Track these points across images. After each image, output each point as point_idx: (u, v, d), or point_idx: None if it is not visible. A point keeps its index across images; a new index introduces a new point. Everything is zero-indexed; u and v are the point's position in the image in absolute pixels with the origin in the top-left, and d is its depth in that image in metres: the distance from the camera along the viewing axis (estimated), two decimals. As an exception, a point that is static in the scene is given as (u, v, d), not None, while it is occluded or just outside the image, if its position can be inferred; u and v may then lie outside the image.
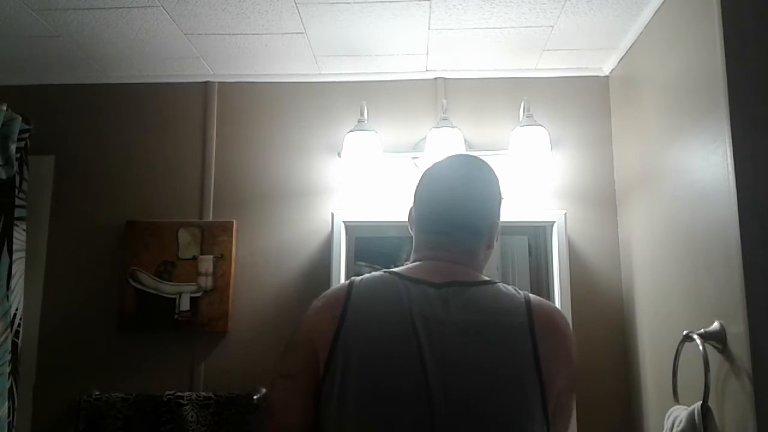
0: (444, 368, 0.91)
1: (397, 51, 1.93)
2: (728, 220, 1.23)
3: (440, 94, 2.07)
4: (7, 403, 1.75)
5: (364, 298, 0.99)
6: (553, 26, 1.76)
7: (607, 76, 2.06)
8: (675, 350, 1.40)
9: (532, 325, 0.94)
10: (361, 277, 1.03)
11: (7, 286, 1.79)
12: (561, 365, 0.95)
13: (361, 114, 1.94)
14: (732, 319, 1.23)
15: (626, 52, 1.87)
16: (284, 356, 1.00)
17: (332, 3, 1.63)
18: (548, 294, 1.92)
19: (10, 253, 1.82)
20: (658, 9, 1.61)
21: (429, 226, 1.09)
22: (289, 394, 0.96)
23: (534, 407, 0.90)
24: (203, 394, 1.85)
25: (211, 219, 2.03)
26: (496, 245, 1.12)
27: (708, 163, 1.33)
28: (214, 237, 1.99)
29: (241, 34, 1.81)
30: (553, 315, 0.99)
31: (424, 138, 1.94)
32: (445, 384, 0.90)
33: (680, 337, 1.37)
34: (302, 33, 1.81)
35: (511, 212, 1.93)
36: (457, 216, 1.07)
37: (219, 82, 2.13)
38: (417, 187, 1.15)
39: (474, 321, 0.94)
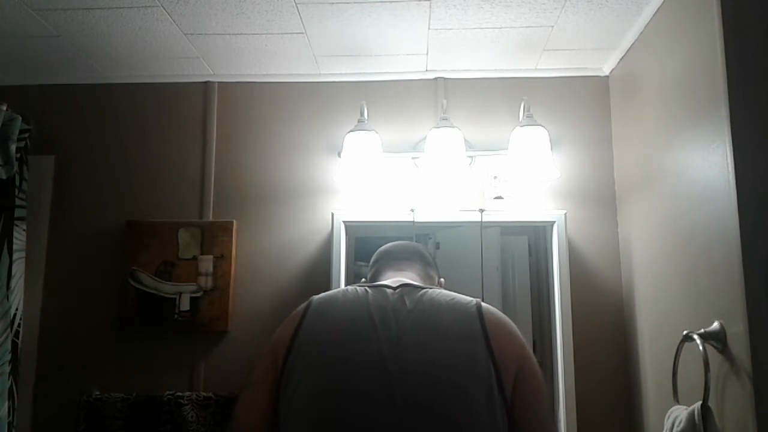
0: (399, 345, 1.01)
1: (397, 51, 1.93)
2: (728, 220, 1.23)
3: (440, 94, 2.07)
4: (7, 403, 1.75)
5: (322, 302, 1.12)
6: (553, 26, 1.76)
7: (607, 76, 2.06)
8: (675, 350, 1.40)
9: (480, 311, 1.08)
10: (321, 294, 1.16)
11: (7, 286, 1.79)
12: (506, 339, 1.06)
13: (361, 114, 1.93)
14: (732, 319, 1.23)
15: (626, 52, 1.87)
16: (251, 371, 1.12)
17: (332, 3, 1.63)
18: (548, 294, 1.92)
19: (10, 253, 1.81)
20: (658, 9, 1.61)
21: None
22: (250, 400, 1.08)
23: (486, 376, 0.99)
24: (203, 394, 1.85)
25: (211, 219, 2.03)
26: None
27: (708, 163, 1.33)
28: (214, 237, 1.99)
29: (241, 34, 1.81)
30: (497, 312, 1.13)
31: (424, 138, 1.94)
32: (399, 356, 1.00)
33: (680, 337, 1.37)
34: (302, 33, 1.81)
35: (511, 212, 1.94)
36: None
37: (219, 82, 2.13)
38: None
39: (427, 308, 1.08)
